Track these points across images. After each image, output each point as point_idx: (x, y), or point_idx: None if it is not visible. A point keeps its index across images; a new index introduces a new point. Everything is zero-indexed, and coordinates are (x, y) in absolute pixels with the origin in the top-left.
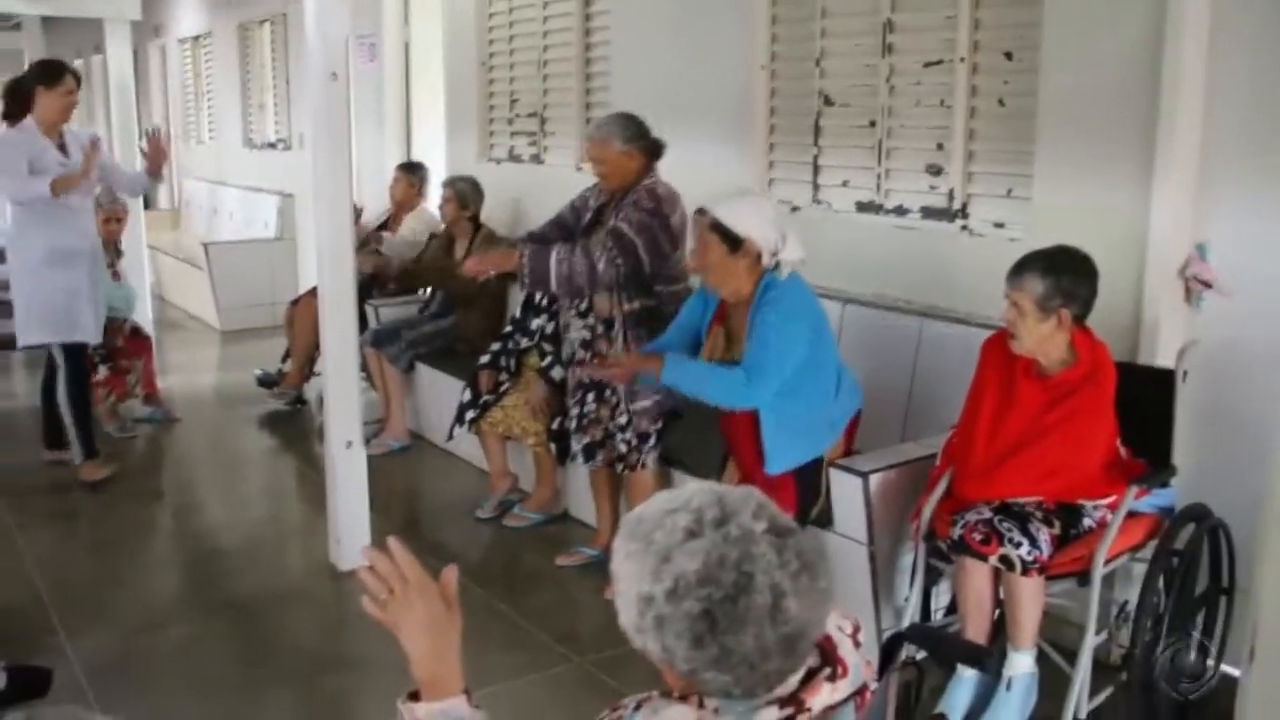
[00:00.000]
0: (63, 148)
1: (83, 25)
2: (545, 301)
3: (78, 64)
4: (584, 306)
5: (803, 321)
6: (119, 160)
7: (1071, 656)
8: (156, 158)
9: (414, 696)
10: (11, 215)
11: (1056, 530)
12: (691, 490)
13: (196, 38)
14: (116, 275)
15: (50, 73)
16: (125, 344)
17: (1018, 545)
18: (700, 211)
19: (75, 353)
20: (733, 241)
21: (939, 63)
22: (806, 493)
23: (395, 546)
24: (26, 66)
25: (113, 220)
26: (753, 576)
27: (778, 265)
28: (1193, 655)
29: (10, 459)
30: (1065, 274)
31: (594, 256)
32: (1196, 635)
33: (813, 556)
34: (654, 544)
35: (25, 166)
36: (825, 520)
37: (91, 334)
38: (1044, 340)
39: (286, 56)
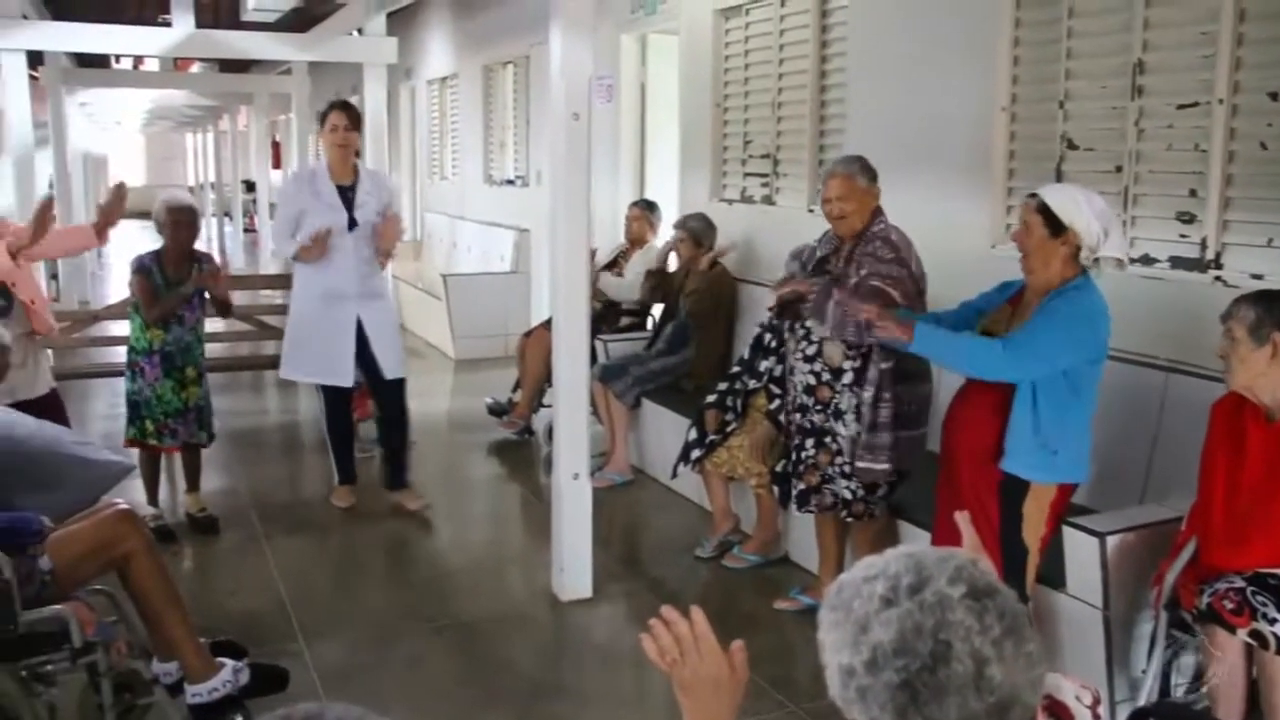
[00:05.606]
0: (353, 187)
1: (344, 69)
2: (774, 344)
3: None
4: (811, 351)
5: (1086, 332)
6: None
7: None
8: (389, 237)
9: None
10: None
11: None
12: (890, 555)
13: (444, 79)
14: None
15: (319, 115)
16: None
17: (1273, 622)
18: (1031, 195)
19: (332, 393)
20: (1055, 226)
21: (1194, 105)
22: (1009, 514)
23: (698, 617)
24: (293, 108)
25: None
26: (950, 645)
27: (1096, 262)
28: None
29: (261, 472)
30: (1278, 302)
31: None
32: None
33: (1018, 619)
34: (853, 613)
35: (295, 214)
36: (1058, 581)
37: (347, 379)
38: (1262, 375)
39: (527, 97)
